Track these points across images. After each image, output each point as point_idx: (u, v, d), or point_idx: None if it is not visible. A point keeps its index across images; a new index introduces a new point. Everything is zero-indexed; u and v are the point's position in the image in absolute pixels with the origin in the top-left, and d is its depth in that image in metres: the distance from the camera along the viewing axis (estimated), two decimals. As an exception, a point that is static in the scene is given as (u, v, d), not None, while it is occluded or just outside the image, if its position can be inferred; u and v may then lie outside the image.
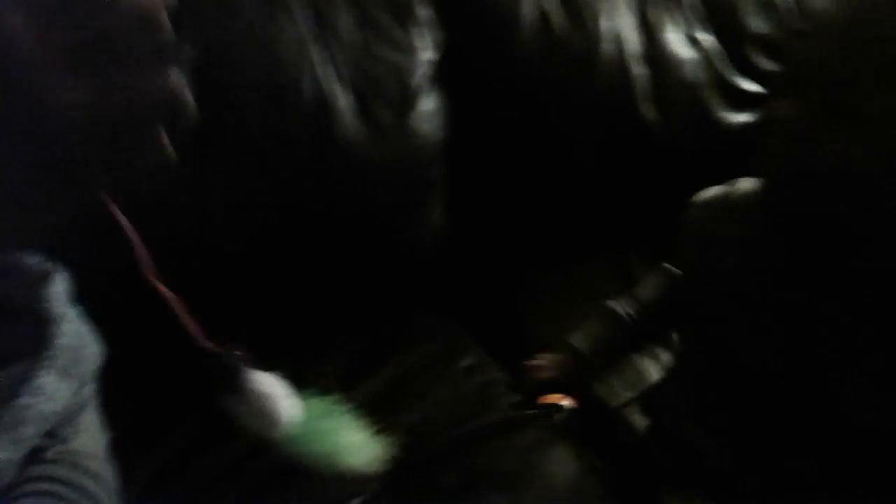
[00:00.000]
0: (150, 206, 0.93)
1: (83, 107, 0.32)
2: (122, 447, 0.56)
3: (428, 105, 1.12)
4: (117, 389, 0.56)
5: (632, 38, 1.24)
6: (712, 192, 0.85)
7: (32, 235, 0.38)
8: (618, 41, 1.22)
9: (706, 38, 1.29)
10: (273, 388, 0.55)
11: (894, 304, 0.70)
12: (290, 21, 1.04)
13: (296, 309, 1.07)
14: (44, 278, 0.52)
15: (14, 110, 0.32)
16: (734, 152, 1.25)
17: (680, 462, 0.82)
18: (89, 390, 0.52)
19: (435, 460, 0.91)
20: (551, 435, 0.96)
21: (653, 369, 1.03)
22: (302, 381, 0.62)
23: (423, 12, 1.14)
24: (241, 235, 1.02)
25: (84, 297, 0.54)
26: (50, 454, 0.51)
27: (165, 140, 0.36)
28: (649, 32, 1.25)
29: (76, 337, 0.50)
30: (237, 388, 0.53)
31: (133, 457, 0.57)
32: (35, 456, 0.49)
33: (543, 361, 0.98)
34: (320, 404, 0.61)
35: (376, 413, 0.67)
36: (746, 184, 0.82)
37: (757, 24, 1.32)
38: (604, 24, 1.22)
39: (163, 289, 0.51)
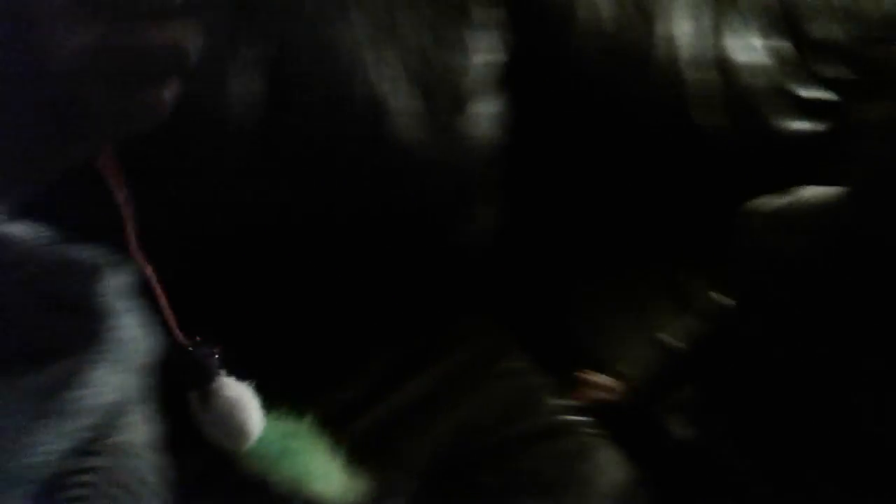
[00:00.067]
0: (208, 196, 0.96)
1: (87, 52, 0.33)
2: (174, 442, 0.56)
3: (484, 107, 1.12)
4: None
5: (688, 43, 1.22)
6: (771, 200, 0.84)
7: (27, 186, 0.38)
8: (673, 46, 1.21)
9: (766, 44, 1.27)
10: (244, 398, 0.51)
11: None
12: (347, 22, 1.05)
13: (343, 308, 1.08)
14: (97, 272, 0.52)
15: (19, 52, 0.33)
16: (792, 161, 1.25)
17: (714, 477, 0.82)
18: (142, 384, 0.53)
19: (475, 463, 0.91)
20: (593, 441, 0.96)
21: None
22: (340, 382, 0.61)
23: (482, 14, 1.14)
24: (289, 232, 1.03)
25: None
26: (96, 447, 0.51)
27: (166, 96, 0.36)
28: (706, 37, 1.24)
29: (130, 331, 0.51)
30: (205, 390, 0.50)
31: (182, 452, 0.57)
32: (81, 448, 0.50)
33: (596, 380, 0.98)
34: (291, 423, 0.57)
35: (419, 413, 0.66)
36: (812, 192, 0.80)
37: (820, 30, 1.30)
38: (659, 29, 1.21)
39: (146, 269, 0.49)
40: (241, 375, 0.54)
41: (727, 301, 0.87)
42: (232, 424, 0.50)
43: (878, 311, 0.71)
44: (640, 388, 0.94)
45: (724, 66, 1.24)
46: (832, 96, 1.28)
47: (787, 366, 0.76)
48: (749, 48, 1.26)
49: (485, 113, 1.12)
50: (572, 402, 1.01)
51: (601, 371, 1.05)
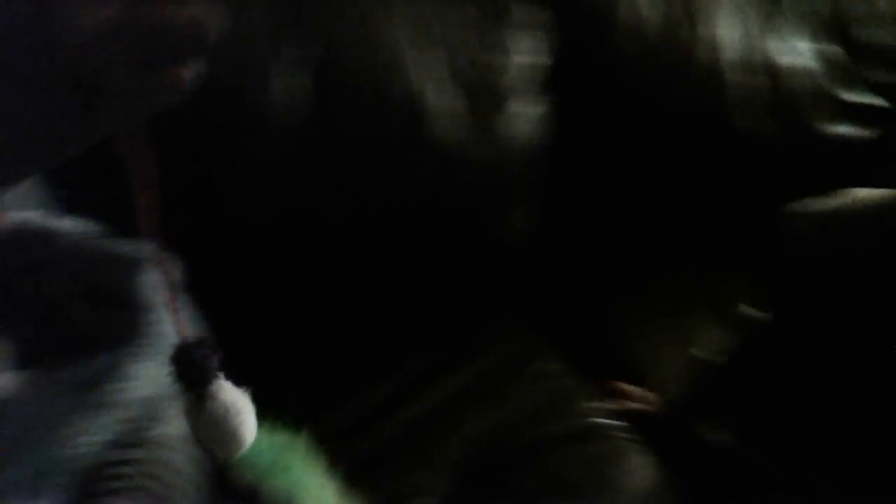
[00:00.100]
0: (245, 190, 0.97)
1: (105, 28, 0.33)
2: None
3: (524, 108, 1.12)
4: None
5: (731, 46, 1.21)
6: (817, 202, 0.82)
7: (46, 163, 0.38)
8: (716, 48, 1.20)
9: (812, 48, 1.25)
10: (239, 403, 0.48)
11: None
12: (390, 21, 1.05)
13: (376, 306, 1.08)
14: (139, 266, 0.53)
15: (36, 26, 0.33)
16: (836, 165, 1.23)
17: (748, 485, 0.81)
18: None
19: (506, 464, 0.91)
20: (625, 446, 0.95)
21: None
22: (372, 381, 0.60)
23: (526, 15, 1.13)
24: (324, 228, 1.04)
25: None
26: (135, 439, 0.52)
27: (185, 75, 0.36)
28: (751, 40, 1.22)
29: (168, 325, 0.52)
30: (201, 392, 0.48)
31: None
32: (120, 440, 0.50)
33: (629, 390, 0.98)
34: (286, 436, 0.56)
35: (451, 413, 0.66)
36: (865, 193, 0.79)
37: (869, 35, 1.28)
38: (702, 30, 1.20)
39: (163, 258, 0.48)
40: (263, 376, 0.54)
41: (761, 313, 0.86)
42: (224, 430, 0.47)
43: None
44: (674, 398, 0.93)
45: (768, 69, 1.22)
46: (881, 101, 1.26)
47: (832, 374, 0.75)
48: (795, 51, 1.24)
49: (525, 113, 1.11)
50: (605, 406, 1.00)
51: (635, 377, 1.05)
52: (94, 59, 0.34)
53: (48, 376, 0.48)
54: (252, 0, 0.99)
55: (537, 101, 1.13)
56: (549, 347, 1.10)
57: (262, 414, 0.50)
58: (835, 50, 1.26)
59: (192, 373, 0.47)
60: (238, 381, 0.49)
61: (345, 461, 0.78)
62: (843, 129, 1.25)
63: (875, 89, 1.26)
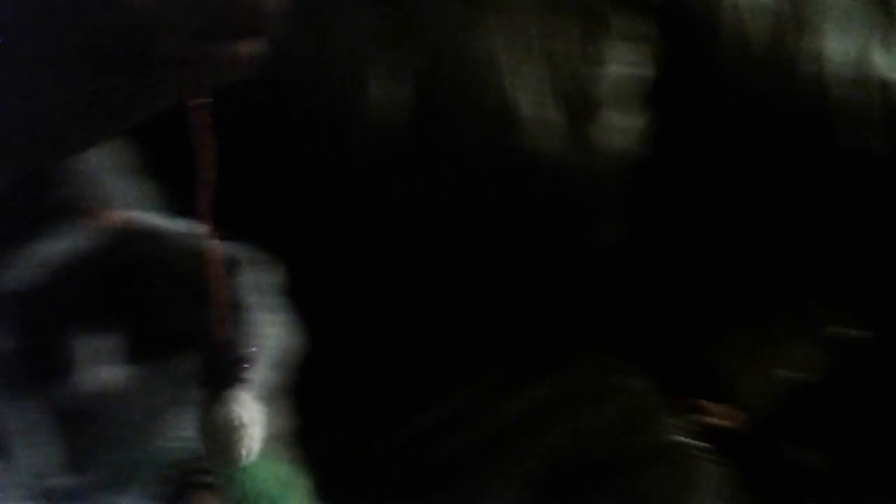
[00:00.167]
0: (338, 193, 0.99)
1: None
2: (311, 435, 0.57)
3: (620, 119, 1.10)
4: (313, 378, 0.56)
5: (838, 60, 1.17)
6: None
7: (104, 132, 0.38)
8: (822, 62, 1.16)
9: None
10: (249, 420, 0.47)
11: None
12: (489, 29, 1.06)
13: (459, 316, 1.08)
14: (238, 267, 0.55)
15: None
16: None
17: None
18: (276, 378, 0.54)
19: (581, 480, 0.90)
20: (706, 465, 0.94)
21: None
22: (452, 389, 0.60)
23: (628, 26, 1.12)
24: (414, 235, 1.05)
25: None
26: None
27: (244, 52, 0.35)
28: (859, 54, 1.18)
29: (269, 327, 0.53)
30: (216, 394, 0.47)
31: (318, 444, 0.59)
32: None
33: (715, 408, 0.96)
34: (279, 467, 0.54)
35: (531, 425, 0.65)
36: None
37: None
38: (807, 43, 1.16)
39: (211, 245, 0.47)
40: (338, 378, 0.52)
41: (857, 332, 0.83)
42: (221, 439, 0.46)
43: None
44: (761, 417, 0.91)
45: (879, 84, 1.18)
46: None
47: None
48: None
49: (620, 125, 1.10)
50: (687, 424, 0.98)
51: (719, 394, 1.03)
52: (150, 28, 0.33)
53: (150, 369, 0.50)
54: (357, 6, 1.01)
55: (635, 113, 1.12)
56: (631, 362, 1.09)
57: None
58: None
59: (214, 371, 0.47)
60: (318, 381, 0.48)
61: (419, 471, 0.79)
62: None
63: None
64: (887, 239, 0.80)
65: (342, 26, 1.00)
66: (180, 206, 0.52)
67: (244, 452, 0.46)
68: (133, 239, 0.50)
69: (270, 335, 0.53)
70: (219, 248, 0.47)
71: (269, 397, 0.54)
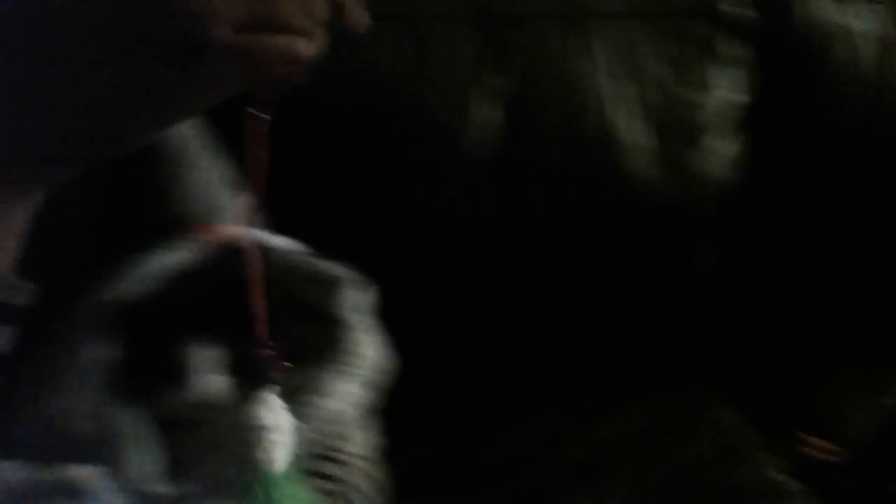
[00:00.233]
0: (429, 212, 1.00)
1: None
2: (395, 453, 0.58)
3: (719, 146, 1.09)
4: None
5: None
6: None
7: (144, 132, 0.38)
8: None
9: None
10: (271, 424, 0.45)
11: None
12: (589, 54, 1.05)
13: (543, 341, 1.08)
14: (337, 283, 0.56)
15: None
16: None
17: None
18: (371, 397, 0.55)
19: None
20: (804, 502, 0.91)
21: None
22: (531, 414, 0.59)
23: (729, 51, 1.11)
24: (506, 258, 1.05)
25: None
26: (325, 452, 0.54)
27: (295, 48, 0.35)
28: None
29: (367, 346, 0.54)
30: (245, 393, 0.45)
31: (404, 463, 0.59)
32: (308, 453, 0.52)
33: (816, 443, 0.93)
34: (293, 481, 0.50)
35: (615, 456, 0.64)
36: None
37: None
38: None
39: (250, 251, 0.46)
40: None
41: None
42: (238, 439, 0.45)
43: None
44: (862, 451, 0.88)
45: None
46: None
47: None
48: None
49: (719, 152, 1.09)
50: (783, 461, 0.95)
51: (819, 429, 1.00)
52: (198, 17, 0.33)
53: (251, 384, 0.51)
54: (457, 29, 1.02)
55: (733, 139, 1.10)
56: (726, 396, 1.06)
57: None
58: None
59: (247, 370, 0.46)
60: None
61: (502, 494, 0.78)
62: None
63: None
64: None
65: (442, 48, 1.01)
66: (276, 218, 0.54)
67: (262, 456, 0.45)
68: (238, 255, 0.52)
69: (368, 355, 0.53)
70: (256, 249, 0.47)
71: (364, 417, 0.55)
